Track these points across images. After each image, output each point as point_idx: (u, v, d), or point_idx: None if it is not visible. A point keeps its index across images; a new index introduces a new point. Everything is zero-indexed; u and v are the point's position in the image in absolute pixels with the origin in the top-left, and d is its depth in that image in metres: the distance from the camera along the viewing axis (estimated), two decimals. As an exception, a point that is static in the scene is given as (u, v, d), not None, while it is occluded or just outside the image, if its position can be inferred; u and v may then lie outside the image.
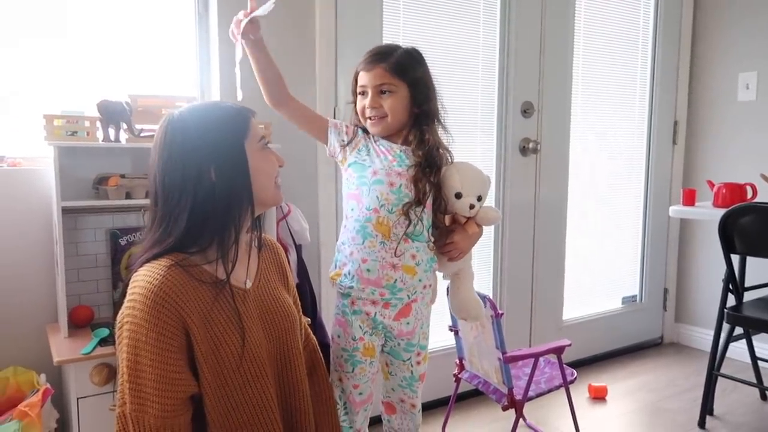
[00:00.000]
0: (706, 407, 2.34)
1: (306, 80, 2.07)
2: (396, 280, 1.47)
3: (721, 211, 2.18)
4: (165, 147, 1.11)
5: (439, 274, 1.62)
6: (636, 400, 2.57)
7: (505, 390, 1.88)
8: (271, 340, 1.20)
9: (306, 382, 1.27)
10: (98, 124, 1.66)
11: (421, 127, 1.48)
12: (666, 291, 3.24)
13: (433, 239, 1.53)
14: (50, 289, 1.81)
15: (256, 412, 1.13)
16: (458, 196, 1.49)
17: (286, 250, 1.72)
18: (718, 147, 3.04)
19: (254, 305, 1.19)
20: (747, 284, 2.37)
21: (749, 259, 2.37)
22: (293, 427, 1.23)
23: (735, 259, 2.28)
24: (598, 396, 2.57)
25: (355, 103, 1.53)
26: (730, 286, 2.27)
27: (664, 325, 3.27)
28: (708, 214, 2.47)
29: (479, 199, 1.52)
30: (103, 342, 1.62)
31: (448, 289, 1.66)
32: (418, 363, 1.60)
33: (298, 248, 1.98)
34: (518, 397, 1.88)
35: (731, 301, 2.26)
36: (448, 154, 1.53)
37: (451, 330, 2.09)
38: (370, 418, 1.66)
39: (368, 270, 1.47)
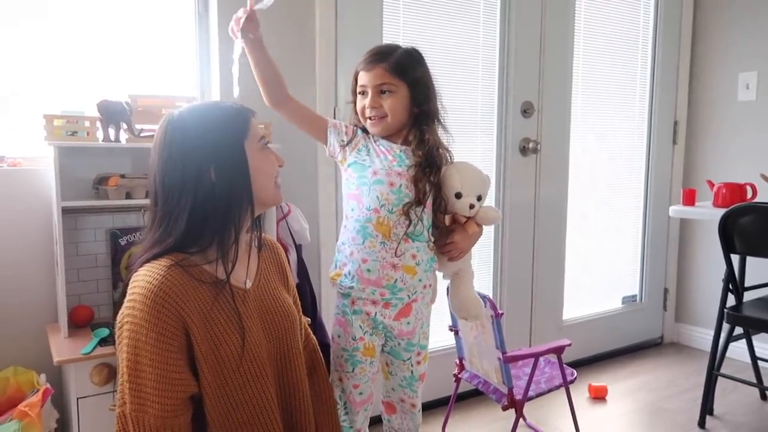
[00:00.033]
0: (706, 407, 2.34)
1: (306, 80, 2.07)
2: (396, 280, 1.47)
3: (721, 211, 2.18)
4: (165, 147, 1.11)
5: (439, 274, 1.62)
6: (636, 400, 2.57)
7: (505, 390, 1.88)
8: (271, 340, 1.20)
9: (306, 382, 1.27)
10: (98, 124, 1.66)
11: (421, 127, 1.48)
12: (666, 291, 3.24)
13: (433, 239, 1.53)
14: (50, 289, 1.81)
15: (256, 412, 1.13)
16: (458, 195, 1.49)
17: (286, 250, 1.72)
18: (718, 147, 3.04)
19: (254, 305, 1.19)
20: (747, 284, 2.37)
21: (749, 259, 2.37)
22: (293, 427, 1.23)
23: (735, 258, 2.28)
24: (598, 396, 2.57)
25: (354, 102, 1.53)
26: (730, 286, 2.27)
27: (664, 325, 3.27)
28: (708, 214, 2.47)
29: (479, 198, 1.52)
30: (103, 342, 1.62)
31: (448, 288, 1.66)
32: (419, 363, 1.60)
33: (298, 248, 1.98)
34: (518, 396, 1.88)
35: (731, 300, 2.26)
36: (447, 154, 1.53)
37: (451, 330, 2.09)
38: (371, 418, 1.66)
39: (368, 270, 1.47)
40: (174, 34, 2.01)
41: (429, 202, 1.48)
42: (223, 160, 1.11)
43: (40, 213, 1.79)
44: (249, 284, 1.20)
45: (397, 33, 2.23)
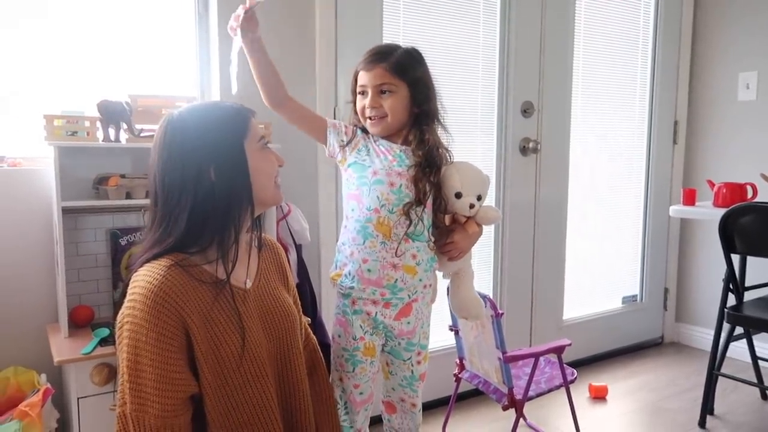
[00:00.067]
0: (707, 407, 2.34)
1: (306, 80, 2.07)
2: (396, 279, 1.47)
3: (722, 211, 2.18)
4: (165, 147, 1.11)
5: (439, 274, 1.62)
6: (636, 399, 2.57)
7: (505, 390, 1.88)
8: (271, 340, 1.20)
9: (306, 381, 1.27)
10: (98, 124, 1.66)
11: (421, 127, 1.48)
12: (666, 291, 3.24)
13: (433, 239, 1.53)
14: (50, 289, 1.81)
15: (256, 411, 1.13)
16: (458, 195, 1.49)
17: (286, 250, 1.72)
18: (719, 146, 3.04)
19: (254, 305, 1.19)
20: (747, 284, 2.37)
21: (749, 259, 2.37)
22: (293, 427, 1.23)
23: (735, 258, 2.27)
24: (599, 396, 2.57)
25: (354, 102, 1.53)
26: (731, 286, 2.27)
27: (665, 325, 3.27)
28: (708, 214, 2.47)
29: (479, 198, 1.52)
30: (103, 342, 1.62)
31: (448, 288, 1.66)
32: (419, 362, 1.60)
33: (298, 248, 1.98)
34: (518, 396, 1.88)
35: (731, 300, 2.26)
36: (447, 154, 1.53)
37: (451, 330, 2.09)
38: (371, 418, 1.66)
39: (369, 270, 1.47)
40: (174, 34, 2.01)
41: (429, 201, 1.48)
42: (223, 160, 1.11)
43: (40, 213, 1.79)
44: (249, 284, 1.20)
45: (397, 33, 2.23)
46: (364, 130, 1.53)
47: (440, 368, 2.24)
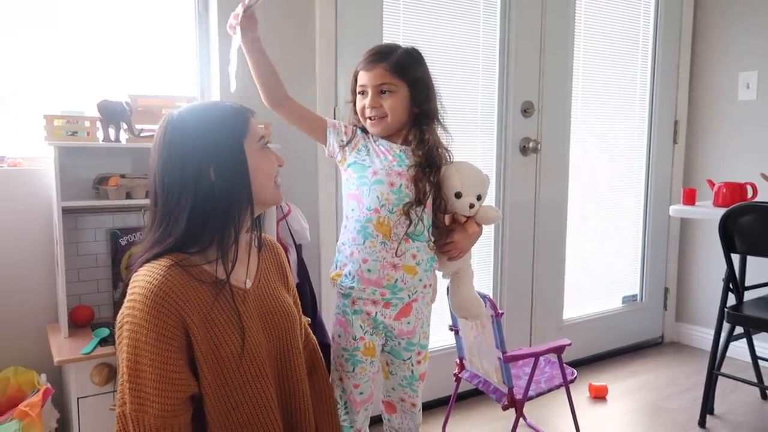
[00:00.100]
0: (707, 406, 2.34)
1: (306, 80, 2.07)
2: (397, 279, 1.47)
3: (722, 211, 2.18)
4: (164, 147, 1.11)
5: (439, 273, 1.62)
6: (636, 399, 2.57)
7: (505, 389, 1.88)
8: (271, 340, 1.20)
9: (306, 381, 1.27)
10: (98, 124, 1.66)
11: (421, 127, 1.48)
12: (666, 290, 3.24)
13: (433, 239, 1.53)
14: (50, 289, 1.81)
15: (256, 411, 1.13)
16: (458, 195, 1.49)
17: (286, 250, 1.72)
18: (719, 146, 3.04)
19: (254, 305, 1.19)
20: (747, 283, 2.37)
21: (749, 259, 2.37)
22: (293, 427, 1.23)
23: (735, 258, 2.27)
24: (599, 395, 2.57)
25: (354, 102, 1.53)
26: (731, 286, 2.27)
27: (665, 325, 3.27)
28: (708, 214, 2.47)
29: (479, 198, 1.52)
30: (103, 342, 1.62)
31: (448, 288, 1.66)
32: (419, 362, 1.60)
33: (298, 248, 1.98)
34: (518, 396, 1.88)
35: (732, 300, 2.26)
36: (447, 154, 1.53)
37: (451, 329, 2.09)
38: (371, 418, 1.66)
39: (369, 270, 1.47)
40: (174, 34, 2.01)
41: (429, 201, 1.48)
42: (223, 159, 1.11)
43: (40, 213, 1.79)
44: (249, 284, 1.20)
45: (397, 32, 2.23)
46: (364, 130, 1.53)
47: (440, 368, 2.24)
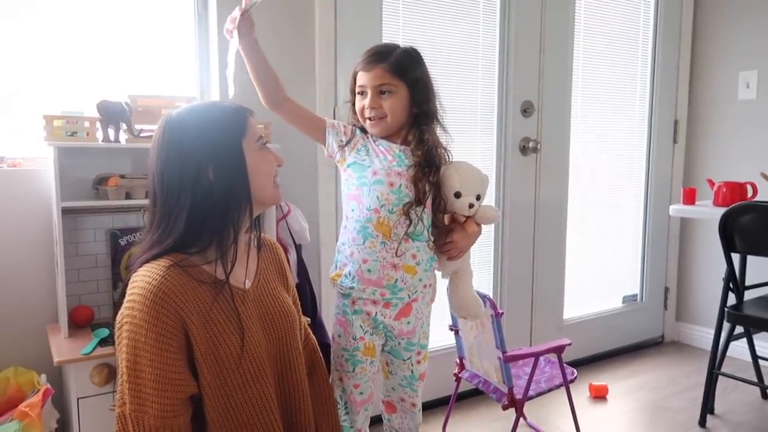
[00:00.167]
0: (707, 406, 2.34)
1: (306, 80, 2.07)
2: (397, 279, 1.47)
3: (722, 210, 2.18)
4: (163, 147, 1.11)
5: (438, 273, 1.62)
6: (637, 399, 2.57)
7: (505, 389, 1.88)
8: (270, 340, 1.20)
9: (306, 382, 1.27)
10: (98, 124, 1.66)
11: (420, 127, 1.48)
12: (666, 290, 3.24)
13: (432, 238, 1.53)
14: (50, 289, 1.81)
15: (255, 412, 1.13)
16: (457, 195, 1.49)
17: (285, 250, 1.72)
18: (719, 146, 3.04)
19: (254, 305, 1.19)
20: (747, 283, 2.37)
21: (750, 258, 2.37)
22: (293, 427, 1.23)
23: (735, 257, 2.27)
24: (599, 395, 2.57)
25: (353, 102, 1.53)
26: (731, 285, 2.27)
27: (665, 324, 3.27)
28: (708, 213, 2.47)
29: (478, 198, 1.52)
30: (103, 342, 1.62)
31: (448, 288, 1.65)
32: (419, 362, 1.60)
33: (298, 248, 1.98)
34: (518, 396, 1.88)
35: (732, 299, 2.26)
36: (446, 154, 1.53)
37: (451, 329, 2.09)
38: (371, 418, 1.66)
39: (369, 270, 1.46)
40: (174, 34, 2.01)
41: (429, 201, 1.48)
42: (222, 159, 1.11)
43: (40, 213, 1.79)
44: (248, 284, 1.20)
45: (396, 32, 2.23)
46: (363, 130, 1.53)
47: (440, 368, 2.24)
